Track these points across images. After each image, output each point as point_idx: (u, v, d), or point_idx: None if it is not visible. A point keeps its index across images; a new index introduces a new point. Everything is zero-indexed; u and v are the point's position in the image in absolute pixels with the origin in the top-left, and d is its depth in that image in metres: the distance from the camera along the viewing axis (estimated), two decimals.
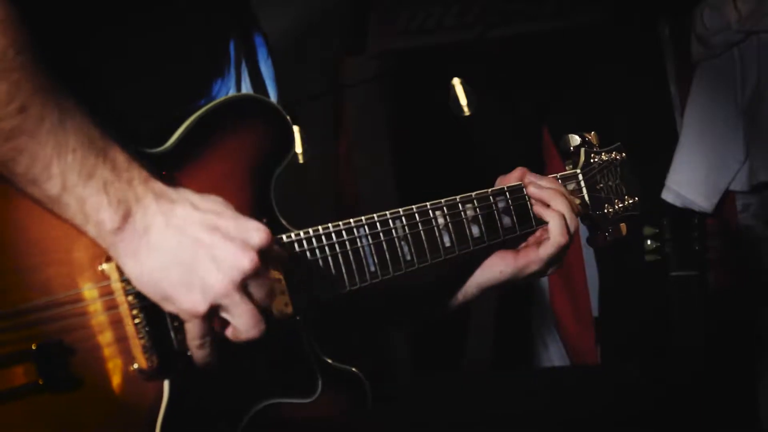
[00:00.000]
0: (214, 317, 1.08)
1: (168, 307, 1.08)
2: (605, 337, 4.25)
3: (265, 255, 1.09)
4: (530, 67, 4.32)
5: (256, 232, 1.08)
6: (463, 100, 4.04)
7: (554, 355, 4.45)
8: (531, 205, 1.50)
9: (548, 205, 1.49)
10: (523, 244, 1.52)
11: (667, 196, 3.81)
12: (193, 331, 1.09)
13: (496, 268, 1.51)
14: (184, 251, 1.05)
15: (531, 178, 1.53)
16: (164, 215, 1.06)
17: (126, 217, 1.05)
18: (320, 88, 4.46)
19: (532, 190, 1.50)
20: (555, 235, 1.46)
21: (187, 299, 1.05)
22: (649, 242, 4.06)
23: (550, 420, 1.53)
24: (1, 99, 1.00)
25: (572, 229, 1.49)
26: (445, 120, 4.19)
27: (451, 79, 4.07)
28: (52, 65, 1.05)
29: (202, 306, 1.06)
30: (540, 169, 1.60)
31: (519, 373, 4.32)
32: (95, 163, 1.04)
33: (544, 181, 1.52)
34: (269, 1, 1.63)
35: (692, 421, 1.67)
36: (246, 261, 1.06)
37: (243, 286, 1.07)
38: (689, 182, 3.78)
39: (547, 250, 1.47)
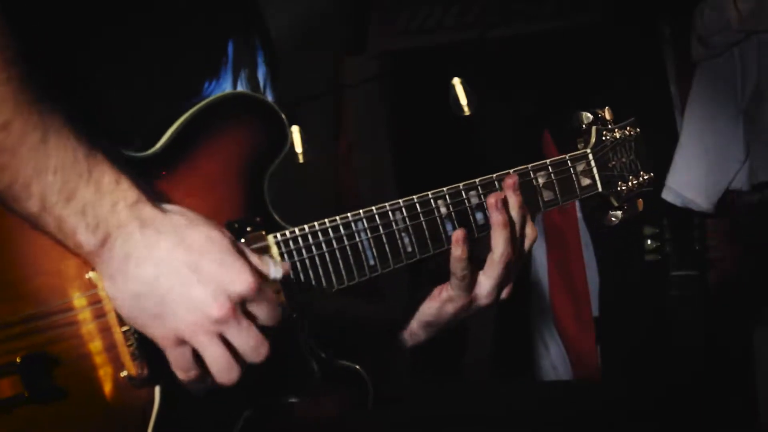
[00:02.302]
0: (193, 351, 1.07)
1: (142, 331, 1.07)
2: (605, 337, 4.25)
3: (247, 302, 1.05)
4: (530, 67, 4.32)
5: (238, 280, 1.04)
6: (463, 100, 4.04)
7: (554, 355, 4.45)
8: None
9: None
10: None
11: (667, 196, 3.81)
12: (173, 361, 1.07)
13: (426, 305, 1.43)
14: (161, 285, 1.03)
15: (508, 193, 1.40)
16: (147, 247, 1.03)
17: (104, 241, 1.03)
18: (320, 88, 4.46)
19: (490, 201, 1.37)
20: (493, 259, 1.36)
21: (157, 330, 1.04)
22: (649, 242, 4.06)
23: (550, 420, 1.53)
24: None
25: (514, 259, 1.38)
26: (445, 120, 4.20)
27: (451, 79, 4.07)
28: (39, 79, 1.04)
29: (170, 339, 1.04)
30: None
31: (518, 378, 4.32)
32: (76, 185, 1.02)
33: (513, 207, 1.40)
34: (269, 2, 1.62)
35: (692, 421, 1.67)
36: (215, 309, 1.02)
37: (212, 332, 1.04)
38: (689, 182, 3.78)
39: (492, 270, 1.36)
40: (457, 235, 1.33)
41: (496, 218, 1.36)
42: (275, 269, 1.10)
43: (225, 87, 1.43)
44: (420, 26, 4.70)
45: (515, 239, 1.38)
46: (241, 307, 1.05)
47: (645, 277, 4.08)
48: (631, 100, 4.08)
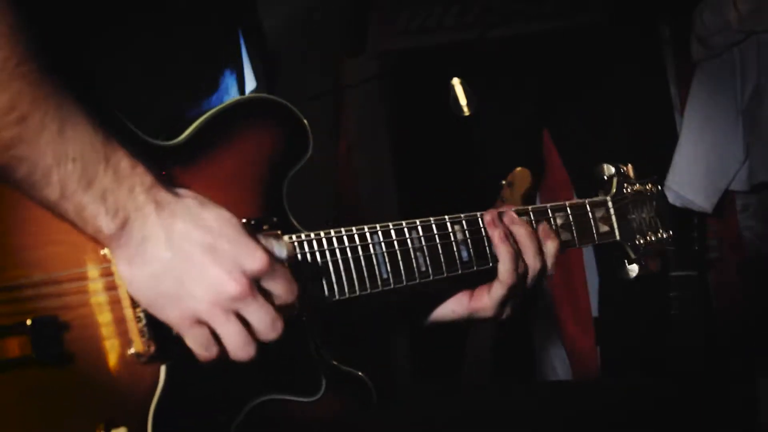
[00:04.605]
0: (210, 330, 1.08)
1: (157, 315, 1.08)
2: (605, 338, 4.25)
3: (261, 280, 1.08)
4: (530, 67, 4.32)
5: (252, 257, 1.08)
6: (463, 100, 4.03)
7: (554, 356, 4.45)
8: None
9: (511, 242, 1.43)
10: (484, 285, 1.47)
11: (666, 196, 3.81)
12: (192, 341, 1.09)
13: (449, 306, 1.49)
14: (177, 265, 1.06)
15: (496, 213, 1.46)
16: (164, 228, 1.06)
17: (123, 225, 1.06)
18: (320, 88, 4.46)
19: (487, 218, 1.43)
20: (502, 273, 1.42)
21: (172, 311, 1.07)
22: None
23: (549, 420, 1.53)
24: (1, 108, 1.00)
25: (527, 270, 1.43)
26: (445, 120, 4.19)
27: (451, 79, 4.07)
28: (54, 71, 1.05)
29: (186, 320, 1.07)
30: (539, 168, 1.59)
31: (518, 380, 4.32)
32: (95, 171, 1.05)
33: (509, 220, 1.46)
34: (269, 1, 1.63)
35: (692, 421, 1.67)
36: (231, 286, 1.06)
37: (229, 309, 1.07)
38: (689, 182, 3.78)
39: (497, 291, 1.43)
40: (498, 233, 1.39)
41: (502, 250, 1.40)
42: (279, 248, 1.13)
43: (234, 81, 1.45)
44: (420, 26, 4.69)
45: (522, 268, 1.42)
46: (256, 284, 1.08)
47: (645, 277, 4.07)
48: (632, 101, 4.08)
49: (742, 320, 3.81)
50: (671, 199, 3.81)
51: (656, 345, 4.00)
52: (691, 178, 3.78)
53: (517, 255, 1.42)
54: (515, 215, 1.46)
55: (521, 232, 1.44)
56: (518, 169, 3.09)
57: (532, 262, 1.44)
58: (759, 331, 3.72)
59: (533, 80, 4.36)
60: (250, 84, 1.53)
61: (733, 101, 3.70)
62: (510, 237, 1.41)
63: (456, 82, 4.06)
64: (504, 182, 3.10)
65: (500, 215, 1.46)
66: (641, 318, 4.10)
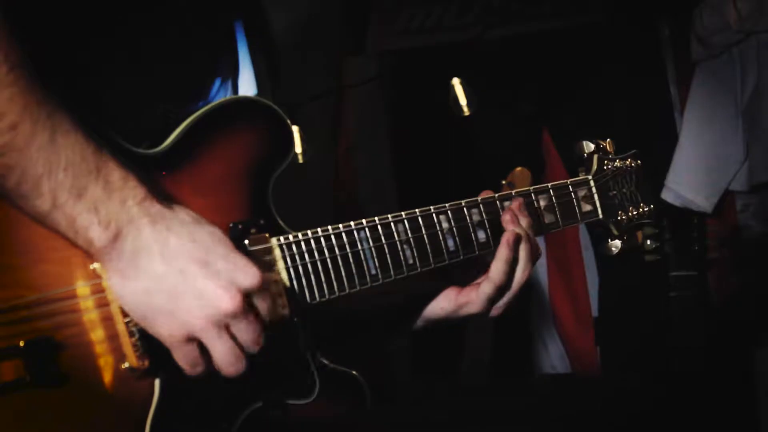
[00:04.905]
0: (199, 346, 1.08)
1: (147, 329, 1.08)
2: (605, 337, 4.25)
3: (252, 296, 1.08)
4: (530, 67, 4.33)
5: (245, 274, 1.07)
6: (463, 100, 4.04)
7: (554, 356, 4.45)
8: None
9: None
10: (474, 282, 1.46)
11: (666, 196, 3.82)
12: (181, 357, 1.08)
13: (438, 304, 1.47)
14: (170, 280, 1.05)
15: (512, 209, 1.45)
16: (158, 242, 1.05)
17: (116, 237, 1.05)
18: (320, 88, 4.46)
19: (507, 217, 1.43)
20: (494, 272, 1.41)
21: (164, 326, 1.06)
22: (648, 242, 4.06)
23: (549, 419, 1.53)
24: None
25: (518, 277, 1.42)
26: (445, 120, 4.20)
27: (451, 79, 4.07)
28: (46, 79, 1.04)
29: (178, 335, 1.06)
30: (539, 168, 1.59)
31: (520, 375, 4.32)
32: (86, 182, 1.03)
33: (517, 205, 1.46)
34: (269, 1, 1.63)
35: (692, 421, 1.67)
36: (226, 301, 1.05)
37: (222, 325, 1.06)
38: (689, 182, 3.78)
39: (485, 288, 1.41)
40: (508, 236, 1.37)
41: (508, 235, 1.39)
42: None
43: (228, 87, 1.44)
44: (420, 26, 4.70)
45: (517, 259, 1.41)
46: (247, 300, 1.07)
47: (644, 277, 4.08)
48: (631, 101, 4.08)
49: (742, 320, 3.81)
50: (671, 199, 3.81)
51: (656, 345, 4.00)
52: (691, 178, 3.78)
53: (515, 261, 1.41)
54: (522, 202, 1.46)
55: (526, 223, 1.44)
56: (518, 169, 3.08)
57: (525, 266, 1.43)
58: (759, 332, 3.72)
59: (533, 80, 4.37)
60: (251, 91, 1.52)
61: (733, 101, 3.70)
62: (516, 243, 1.41)
63: (456, 82, 4.06)
64: (504, 182, 3.10)
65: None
66: (641, 318, 4.10)
